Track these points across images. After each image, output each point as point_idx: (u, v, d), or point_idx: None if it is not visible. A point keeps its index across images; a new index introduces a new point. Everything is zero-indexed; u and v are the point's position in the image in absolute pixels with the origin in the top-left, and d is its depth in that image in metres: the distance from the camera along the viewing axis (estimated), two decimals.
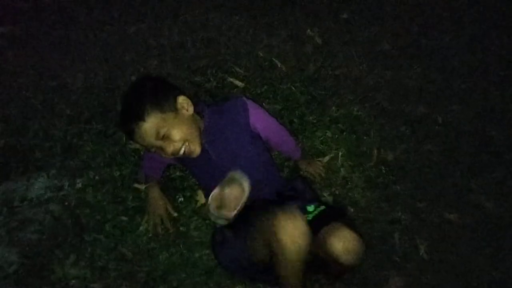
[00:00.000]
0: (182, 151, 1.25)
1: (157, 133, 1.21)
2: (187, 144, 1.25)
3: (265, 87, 2.03)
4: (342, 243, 1.08)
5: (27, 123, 1.58)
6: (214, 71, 2.05)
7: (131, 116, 1.22)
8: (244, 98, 1.41)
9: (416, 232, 1.64)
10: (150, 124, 1.20)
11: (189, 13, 2.30)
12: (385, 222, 1.65)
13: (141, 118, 1.20)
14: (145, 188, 1.42)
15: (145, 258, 1.35)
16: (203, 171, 1.40)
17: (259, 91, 2.00)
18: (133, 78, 1.94)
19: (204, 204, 1.54)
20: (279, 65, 2.16)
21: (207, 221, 1.50)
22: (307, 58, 2.23)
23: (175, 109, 1.26)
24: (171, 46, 2.13)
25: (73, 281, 1.25)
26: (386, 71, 2.26)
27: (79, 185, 1.40)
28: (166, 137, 1.22)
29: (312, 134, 1.87)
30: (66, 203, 1.35)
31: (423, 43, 2.41)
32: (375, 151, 1.86)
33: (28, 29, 2.00)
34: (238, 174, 1.23)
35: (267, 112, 1.51)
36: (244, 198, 1.20)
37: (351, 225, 1.17)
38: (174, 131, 1.22)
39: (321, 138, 1.86)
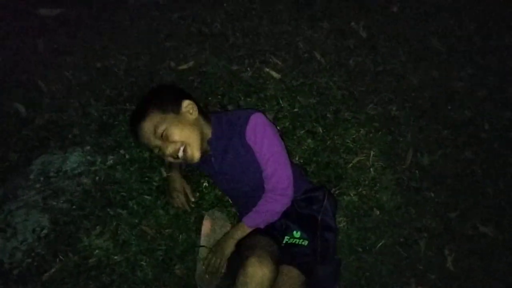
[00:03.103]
0: (180, 154, 1.25)
1: (155, 130, 1.22)
2: (185, 147, 1.24)
3: (302, 79, 1.99)
4: None
5: (69, 101, 1.69)
6: (251, 61, 2.05)
7: (135, 118, 1.28)
8: (256, 113, 1.31)
9: (444, 242, 1.56)
10: (149, 122, 1.23)
11: (233, 1, 2.31)
12: (412, 229, 1.58)
13: (142, 118, 1.25)
14: (167, 176, 1.47)
15: (165, 237, 1.41)
16: (210, 176, 1.45)
17: (295, 83, 1.98)
18: (172, 64, 2.00)
19: None
20: (318, 58, 2.12)
21: (228, 208, 1.52)
22: (349, 53, 2.16)
23: (178, 111, 1.27)
24: (212, 34, 2.16)
25: (97, 251, 1.33)
26: (433, 70, 2.14)
27: (110, 162, 1.48)
28: (165, 137, 1.22)
29: (345, 131, 1.82)
30: (97, 178, 1.43)
31: (479, 42, 2.25)
32: (411, 154, 1.78)
33: (80, 12, 2.11)
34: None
35: (273, 137, 1.31)
36: None
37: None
38: (172, 130, 1.22)
39: (354, 136, 1.81)
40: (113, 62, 1.94)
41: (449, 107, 1.97)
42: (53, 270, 1.27)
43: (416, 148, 1.80)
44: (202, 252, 1.36)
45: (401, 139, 1.83)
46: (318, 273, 1.26)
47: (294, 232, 1.27)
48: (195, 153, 1.26)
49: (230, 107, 1.84)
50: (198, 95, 1.87)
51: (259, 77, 1.99)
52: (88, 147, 1.51)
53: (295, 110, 1.86)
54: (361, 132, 1.82)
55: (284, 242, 1.27)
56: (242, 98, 1.89)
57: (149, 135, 1.24)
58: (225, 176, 1.34)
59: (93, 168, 1.45)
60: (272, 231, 1.29)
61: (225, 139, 1.30)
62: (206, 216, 1.40)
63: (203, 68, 1.99)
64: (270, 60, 2.07)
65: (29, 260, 1.28)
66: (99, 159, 1.48)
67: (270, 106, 1.86)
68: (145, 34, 2.11)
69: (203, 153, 1.29)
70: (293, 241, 1.26)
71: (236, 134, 1.29)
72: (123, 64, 1.95)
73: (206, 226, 1.38)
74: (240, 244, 1.27)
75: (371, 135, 1.82)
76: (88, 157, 1.47)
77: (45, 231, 1.32)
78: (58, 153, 1.49)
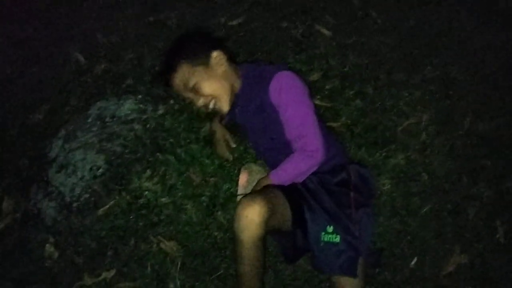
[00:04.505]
0: (211, 106, 1.29)
1: (186, 84, 1.26)
2: (214, 100, 1.28)
3: (354, 38, 1.91)
4: None
5: (124, 52, 1.77)
6: (303, 18, 1.99)
7: (166, 67, 1.30)
8: (283, 71, 1.27)
9: (497, 213, 1.47)
10: (179, 75, 1.26)
11: None
12: (462, 196, 1.51)
13: (173, 69, 1.27)
14: (209, 122, 1.51)
15: (209, 185, 1.46)
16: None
17: (347, 42, 1.90)
18: (223, 19, 1.99)
19: None
20: (374, 16, 2.01)
21: None
22: (408, 11, 2.02)
23: (208, 64, 1.28)
24: None
25: (147, 192, 1.42)
26: (501, 32, 1.96)
27: (160, 111, 1.55)
28: (195, 90, 1.26)
29: (397, 93, 1.74)
30: (148, 125, 1.51)
31: None
32: (468, 119, 1.67)
33: None
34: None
35: (299, 95, 1.26)
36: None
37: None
38: (202, 84, 1.25)
39: (407, 98, 1.72)
40: (165, 16, 1.98)
41: None
42: (107, 206, 1.38)
43: (475, 114, 1.68)
44: None
45: (460, 103, 1.71)
46: None
47: (328, 227, 1.24)
48: (224, 106, 1.30)
49: None
50: (247, 51, 1.86)
51: (310, 35, 1.94)
52: (141, 96, 1.58)
53: (345, 69, 1.80)
54: (415, 94, 1.73)
55: (322, 240, 1.24)
56: (291, 55, 1.85)
57: (180, 87, 1.29)
58: (248, 129, 1.36)
59: (144, 116, 1.52)
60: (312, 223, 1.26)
61: (250, 93, 1.30)
62: (242, 169, 1.42)
63: (253, 24, 1.97)
64: (323, 17, 2.00)
65: (87, 195, 1.40)
66: (150, 108, 1.55)
67: (319, 64, 1.81)
68: None
69: (231, 105, 1.32)
70: (329, 239, 1.23)
71: (260, 90, 1.27)
72: (175, 18, 1.98)
73: (242, 178, 1.40)
74: None
75: (426, 98, 1.72)
76: (141, 105, 1.54)
77: (101, 170, 1.42)
78: (113, 100, 1.58)
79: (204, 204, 1.42)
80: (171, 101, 1.57)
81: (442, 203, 1.49)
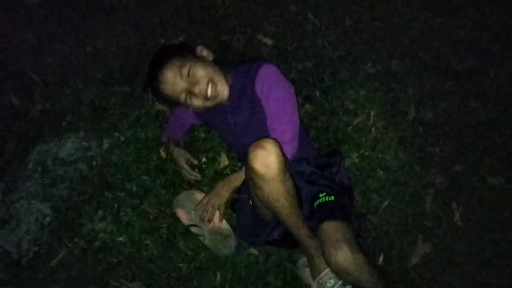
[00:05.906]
0: (209, 92, 1.25)
1: (180, 71, 1.23)
2: (213, 84, 1.25)
3: (296, 43, 1.93)
4: (342, 262, 1.07)
5: (62, 88, 1.68)
6: (243, 29, 1.98)
7: (155, 67, 1.27)
8: (268, 63, 1.31)
9: (451, 197, 1.52)
10: (172, 67, 1.24)
11: None
12: (417, 186, 1.55)
13: (163, 66, 1.25)
14: (164, 148, 1.46)
15: (167, 215, 1.42)
16: (224, 133, 1.43)
17: (289, 48, 1.91)
18: (163, 40, 1.95)
19: (228, 166, 1.55)
20: (312, 19, 2.03)
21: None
22: (344, 10, 2.07)
23: (194, 54, 1.32)
24: (200, 6, 2.09)
25: (101, 234, 1.35)
26: (435, 19, 2.03)
27: (105, 146, 1.48)
28: (191, 76, 1.24)
29: (343, 93, 1.77)
30: (94, 163, 1.44)
31: None
32: (413, 109, 1.72)
33: None
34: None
35: (283, 86, 1.30)
36: None
37: (354, 234, 1.18)
38: (197, 67, 1.24)
39: (353, 97, 1.75)
40: (102, 44, 1.91)
41: (452, 57, 1.89)
42: (60, 256, 1.31)
43: (418, 103, 1.74)
44: (199, 231, 1.36)
45: (403, 95, 1.76)
46: None
47: (320, 194, 1.27)
48: (224, 88, 1.27)
49: None
50: None
51: (252, 45, 1.94)
52: (82, 133, 1.51)
53: (291, 75, 1.81)
54: (360, 92, 1.76)
55: (315, 206, 1.26)
56: None
57: (174, 80, 1.25)
58: (237, 128, 1.35)
59: (89, 153, 1.45)
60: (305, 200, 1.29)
61: (240, 90, 1.31)
62: (174, 208, 1.39)
63: (193, 41, 1.94)
64: (262, 26, 2.00)
65: (36, 248, 1.32)
66: (94, 144, 1.48)
67: None
68: (132, 13, 2.06)
69: (220, 102, 1.30)
70: (322, 201, 1.26)
71: (248, 85, 1.30)
72: (112, 46, 1.92)
73: (181, 216, 1.38)
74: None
75: (370, 94, 1.76)
76: (84, 143, 1.47)
77: (48, 219, 1.34)
78: (53, 141, 1.50)
79: (164, 236, 1.37)
80: (116, 134, 1.51)
81: (400, 196, 1.53)
